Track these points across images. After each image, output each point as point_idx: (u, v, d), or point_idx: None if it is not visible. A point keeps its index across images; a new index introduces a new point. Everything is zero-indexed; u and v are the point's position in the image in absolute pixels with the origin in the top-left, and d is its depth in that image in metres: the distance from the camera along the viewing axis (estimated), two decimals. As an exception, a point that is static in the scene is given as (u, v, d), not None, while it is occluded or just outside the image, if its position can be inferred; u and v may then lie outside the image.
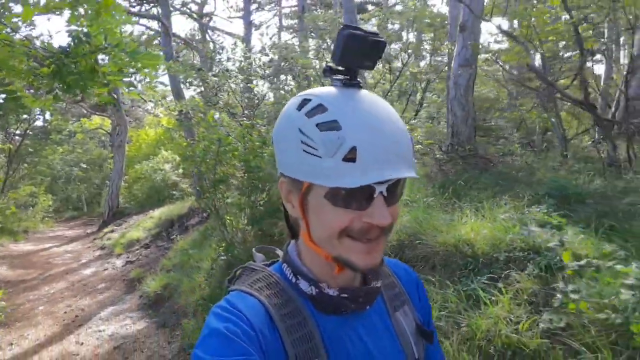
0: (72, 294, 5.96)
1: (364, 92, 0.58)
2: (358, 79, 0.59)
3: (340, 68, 0.58)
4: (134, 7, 9.51)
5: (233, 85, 5.40)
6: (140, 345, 4.13)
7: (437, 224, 3.12)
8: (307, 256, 0.65)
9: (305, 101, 0.57)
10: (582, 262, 2.00)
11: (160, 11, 9.09)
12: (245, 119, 5.26)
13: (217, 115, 5.89)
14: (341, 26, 0.57)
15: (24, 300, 5.71)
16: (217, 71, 5.49)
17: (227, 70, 5.38)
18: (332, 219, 0.57)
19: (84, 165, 19.69)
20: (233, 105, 5.56)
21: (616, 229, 2.39)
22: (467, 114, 4.84)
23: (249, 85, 5.45)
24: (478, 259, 2.73)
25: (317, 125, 0.54)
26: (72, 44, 2.11)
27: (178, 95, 7.84)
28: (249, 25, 10.54)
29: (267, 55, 5.92)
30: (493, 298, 2.38)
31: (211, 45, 11.11)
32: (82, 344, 4.25)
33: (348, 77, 0.58)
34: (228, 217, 4.66)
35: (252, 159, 4.35)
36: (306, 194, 0.59)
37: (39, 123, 18.08)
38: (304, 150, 0.55)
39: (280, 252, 0.72)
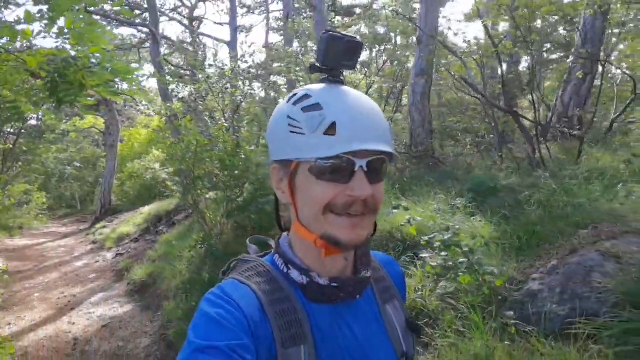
0: (65, 283, 6.44)
1: (347, 87, 0.65)
2: (341, 78, 0.65)
3: (323, 67, 0.64)
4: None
5: (212, 91, 5.91)
6: (125, 324, 4.64)
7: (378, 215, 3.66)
8: (299, 246, 0.68)
9: (293, 95, 0.64)
10: (430, 236, 2.59)
11: (149, 18, 9.56)
12: (224, 121, 5.77)
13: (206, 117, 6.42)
14: (324, 31, 0.64)
15: (20, 288, 6.18)
16: (200, 78, 6.00)
17: (208, 77, 5.88)
18: (316, 193, 0.60)
19: (78, 164, 20.03)
20: (214, 110, 6.07)
21: (507, 216, 2.95)
22: (424, 119, 5.38)
23: (227, 90, 5.96)
24: (405, 242, 3.28)
25: (302, 109, 0.61)
26: (62, 65, 2.60)
27: (166, 97, 8.34)
28: (234, 31, 11.03)
29: (246, 62, 6.46)
30: (410, 272, 2.93)
31: (199, 52, 11.57)
32: (74, 323, 4.75)
33: (331, 75, 0.65)
34: (207, 212, 5.17)
35: (226, 158, 4.86)
36: (294, 174, 0.63)
37: (32, 122, 18.48)
38: (290, 132, 0.61)
39: (273, 244, 0.75)
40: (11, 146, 14.71)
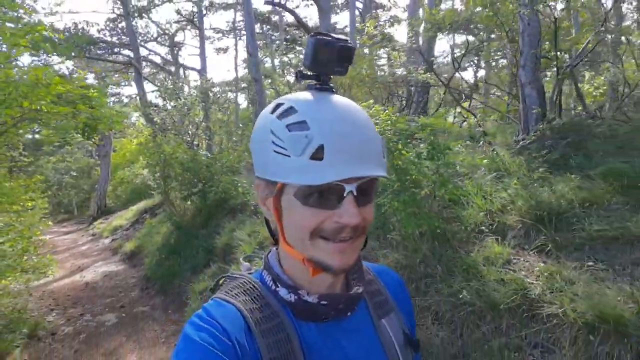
0: (75, 258, 8.74)
1: (336, 97, 0.60)
2: (330, 84, 0.61)
3: (311, 74, 0.60)
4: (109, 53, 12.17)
5: (177, 114, 8.24)
6: (120, 274, 6.97)
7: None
8: (287, 262, 0.65)
9: (278, 105, 0.59)
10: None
11: (132, 54, 11.91)
12: (188, 137, 8.12)
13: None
14: (312, 33, 0.59)
15: (42, 262, 8.45)
16: (169, 107, 8.31)
17: (175, 106, 8.17)
18: (302, 218, 0.57)
19: (74, 173, 22.12)
20: (179, 128, 8.39)
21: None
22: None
23: (189, 112, 8.28)
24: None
25: (286, 126, 0.56)
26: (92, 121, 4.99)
27: (147, 119, 10.68)
28: (204, 60, 13.38)
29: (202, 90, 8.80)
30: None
31: (174, 79, 13.92)
32: (84, 276, 7.06)
33: (320, 82, 0.60)
34: (174, 200, 7.50)
35: (187, 163, 7.19)
36: (279, 195, 0.60)
37: (28, 136, 20.58)
38: (274, 151, 0.56)
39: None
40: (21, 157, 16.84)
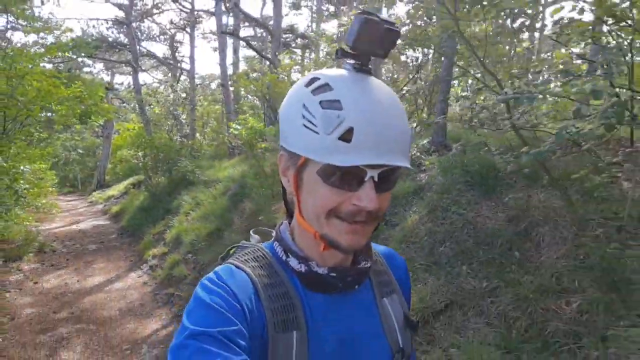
0: (72, 216, 11.17)
1: (372, 79, 0.59)
2: (369, 66, 0.60)
3: (352, 52, 0.59)
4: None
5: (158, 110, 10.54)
6: (106, 226, 9.39)
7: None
8: (299, 236, 0.67)
9: (313, 79, 0.59)
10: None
11: (131, 56, 14.27)
12: (167, 127, 10.44)
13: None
14: (359, 11, 0.58)
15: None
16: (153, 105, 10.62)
17: (158, 101, 10.43)
18: (322, 197, 0.58)
19: (81, 151, 24.57)
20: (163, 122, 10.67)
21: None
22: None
23: (172, 110, 10.59)
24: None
25: (320, 102, 0.56)
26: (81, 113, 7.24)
27: (142, 110, 13.06)
28: (193, 63, 15.69)
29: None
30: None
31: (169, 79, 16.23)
32: (79, 227, 9.45)
33: (359, 62, 0.59)
34: (151, 173, 9.87)
35: (161, 147, 9.50)
36: (301, 169, 0.61)
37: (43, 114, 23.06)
38: (303, 125, 0.57)
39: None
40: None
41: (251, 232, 0.78)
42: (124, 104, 24.29)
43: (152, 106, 11.82)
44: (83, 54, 11.10)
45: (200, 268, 5.08)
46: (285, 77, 7.74)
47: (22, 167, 6.52)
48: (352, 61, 0.59)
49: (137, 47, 14.36)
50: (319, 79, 0.58)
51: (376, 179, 0.56)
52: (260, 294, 0.61)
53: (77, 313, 4.49)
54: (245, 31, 18.04)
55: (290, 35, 18.58)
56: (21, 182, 6.88)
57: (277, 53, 9.38)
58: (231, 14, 11.72)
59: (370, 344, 0.67)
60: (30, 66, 6.38)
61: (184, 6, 15.32)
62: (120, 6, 13.76)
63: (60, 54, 9.19)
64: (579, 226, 2.76)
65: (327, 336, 0.63)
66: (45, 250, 6.82)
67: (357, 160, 0.53)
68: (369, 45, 0.57)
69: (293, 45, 18.70)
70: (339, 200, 0.58)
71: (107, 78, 22.02)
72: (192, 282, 4.83)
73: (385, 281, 0.74)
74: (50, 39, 10.31)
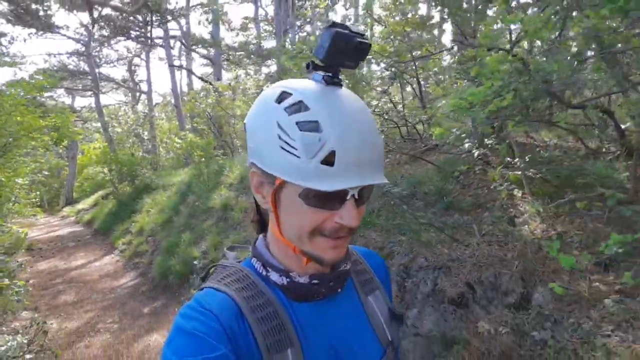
0: (48, 227, 12.70)
1: (344, 92, 0.59)
2: (340, 77, 0.60)
3: (322, 65, 0.59)
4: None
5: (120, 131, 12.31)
6: (79, 231, 11.08)
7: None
8: (276, 248, 0.67)
9: (284, 94, 0.58)
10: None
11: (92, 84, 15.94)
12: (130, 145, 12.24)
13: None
14: (329, 23, 0.57)
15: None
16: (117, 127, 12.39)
17: (126, 122, 12.18)
18: (304, 218, 0.59)
19: (46, 173, 25.43)
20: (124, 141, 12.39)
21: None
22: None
23: (133, 129, 12.38)
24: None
25: (297, 123, 0.55)
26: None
27: (105, 131, 14.73)
28: (149, 86, 17.50)
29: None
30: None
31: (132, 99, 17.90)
32: (57, 234, 11.06)
33: (330, 74, 0.59)
34: (117, 184, 11.63)
35: (124, 162, 11.29)
36: (279, 189, 0.60)
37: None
38: (281, 147, 0.55)
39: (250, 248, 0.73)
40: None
41: (225, 250, 0.79)
42: (86, 125, 25.56)
43: (114, 126, 13.56)
44: (49, 86, 12.72)
45: (157, 244, 7.04)
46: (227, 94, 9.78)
47: (17, 180, 8.25)
48: (322, 73, 0.59)
49: (97, 72, 16.01)
50: (290, 94, 0.58)
51: (356, 197, 0.58)
52: (246, 316, 0.60)
53: (68, 279, 6.37)
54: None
55: (242, 52, 20.67)
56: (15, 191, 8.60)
57: (218, 79, 11.47)
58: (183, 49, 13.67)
59: (361, 342, 0.69)
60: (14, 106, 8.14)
61: (139, 36, 17.08)
62: (78, 40, 15.40)
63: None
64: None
65: (320, 345, 0.64)
66: (33, 248, 8.53)
67: (343, 185, 0.54)
68: (340, 57, 0.58)
69: (247, 61, 20.77)
70: (321, 220, 0.59)
71: (68, 101, 23.25)
72: (151, 253, 6.78)
73: (367, 280, 0.77)
74: (22, 73, 11.89)
